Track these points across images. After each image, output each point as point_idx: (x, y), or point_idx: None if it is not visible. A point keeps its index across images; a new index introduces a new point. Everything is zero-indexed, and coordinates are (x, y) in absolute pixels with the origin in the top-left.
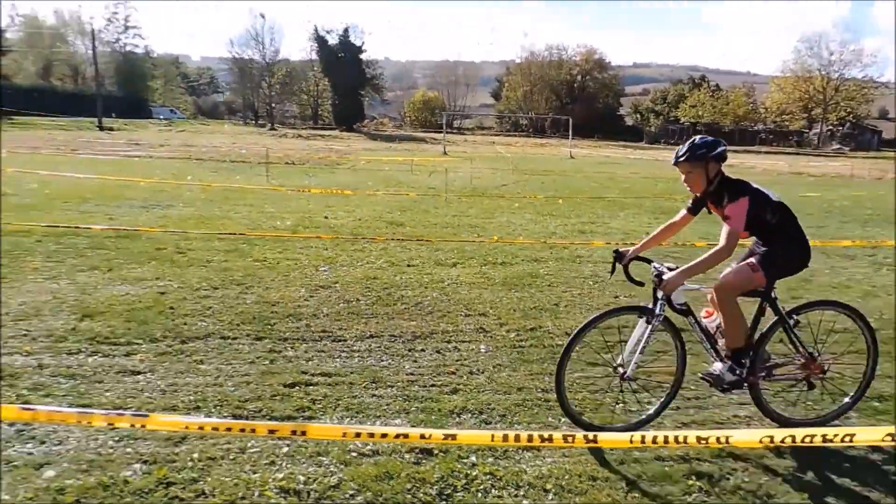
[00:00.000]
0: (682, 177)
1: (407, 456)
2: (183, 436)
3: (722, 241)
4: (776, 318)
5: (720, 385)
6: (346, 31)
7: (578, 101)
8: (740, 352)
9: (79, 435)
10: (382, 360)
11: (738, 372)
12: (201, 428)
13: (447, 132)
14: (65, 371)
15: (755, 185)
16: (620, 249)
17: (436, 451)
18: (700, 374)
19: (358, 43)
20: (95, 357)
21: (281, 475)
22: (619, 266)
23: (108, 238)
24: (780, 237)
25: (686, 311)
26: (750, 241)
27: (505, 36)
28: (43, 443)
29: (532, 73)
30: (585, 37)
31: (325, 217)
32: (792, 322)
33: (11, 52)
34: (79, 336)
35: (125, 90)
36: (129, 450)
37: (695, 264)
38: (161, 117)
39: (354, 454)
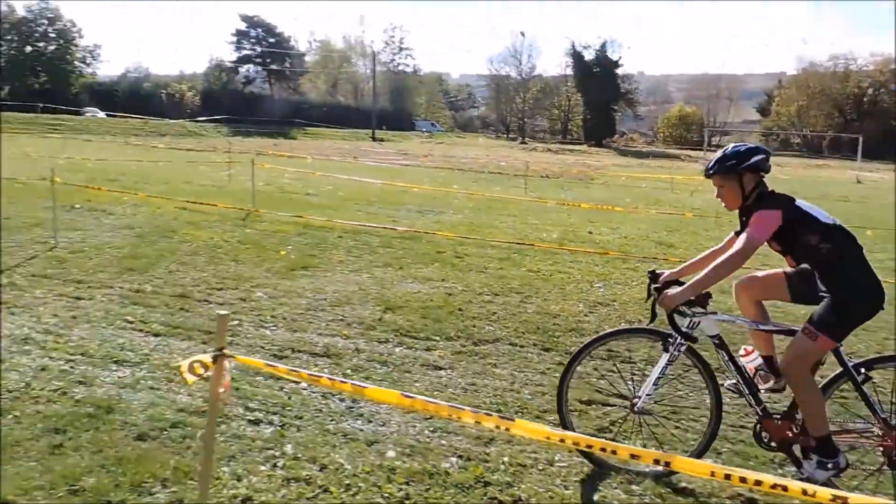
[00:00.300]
0: (715, 192)
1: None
2: (490, 437)
3: (735, 247)
4: (840, 370)
5: (802, 475)
6: (603, 45)
7: (868, 118)
8: (826, 440)
9: (399, 420)
10: (679, 390)
11: (829, 465)
12: (562, 441)
13: (706, 150)
14: (378, 357)
15: (802, 203)
16: (658, 271)
17: None
18: (766, 410)
19: (615, 57)
20: (401, 348)
21: (595, 497)
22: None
23: (394, 238)
24: (834, 270)
25: (718, 345)
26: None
27: (776, 44)
28: (370, 422)
29: (810, 86)
30: (878, 44)
31: (590, 232)
32: (860, 377)
33: (308, 72)
34: (385, 326)
35: (395, 105)
36: (444, 442)
37: (702, 277)
38: (423, 130)
39: (669, 490)
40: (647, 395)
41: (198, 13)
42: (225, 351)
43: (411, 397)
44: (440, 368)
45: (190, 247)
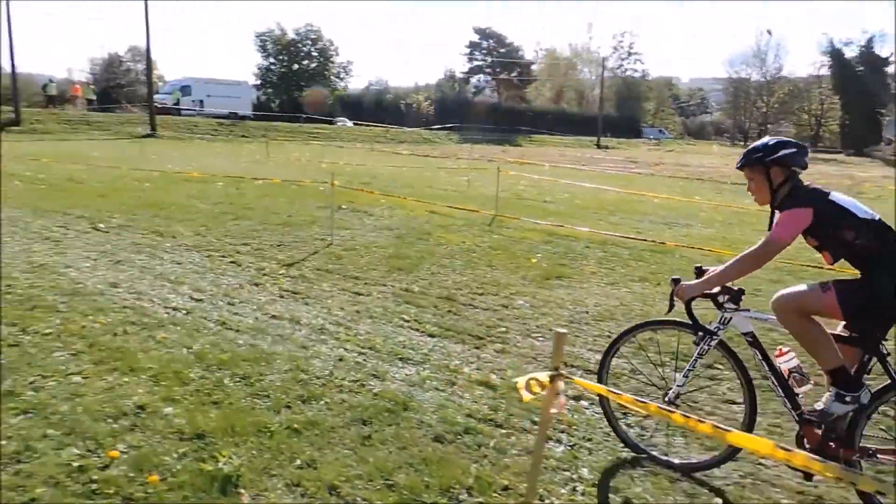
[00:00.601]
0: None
1: None
2: None
3: (756, 246)
4: (889, 381)
5: (827, 421)
6: (869, 41)
7: None
8: (840, 372)
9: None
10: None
11: (847, 399)
12: None
13: None
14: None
15: (838, 197)
16: (703, 267)
17: None
18: (805, 415)
19: (884, 54)
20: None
21: None
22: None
23: (644, 251)
24: (870, 266)
25: (752, 343)
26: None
27: None
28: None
29: None
30: None
31: None
32: None
33: (535, 81)
34: (658, 348)
35: (621, 111)
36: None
37: (720, 271)
38: (650, 137)
39: None
40: (677, 385)
41: (432, 27)
42: (561, 371)
43: (789, 450)
44: (733, 403)
45: (445, 249)
